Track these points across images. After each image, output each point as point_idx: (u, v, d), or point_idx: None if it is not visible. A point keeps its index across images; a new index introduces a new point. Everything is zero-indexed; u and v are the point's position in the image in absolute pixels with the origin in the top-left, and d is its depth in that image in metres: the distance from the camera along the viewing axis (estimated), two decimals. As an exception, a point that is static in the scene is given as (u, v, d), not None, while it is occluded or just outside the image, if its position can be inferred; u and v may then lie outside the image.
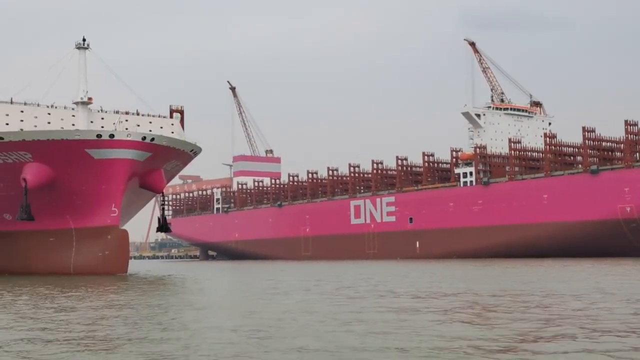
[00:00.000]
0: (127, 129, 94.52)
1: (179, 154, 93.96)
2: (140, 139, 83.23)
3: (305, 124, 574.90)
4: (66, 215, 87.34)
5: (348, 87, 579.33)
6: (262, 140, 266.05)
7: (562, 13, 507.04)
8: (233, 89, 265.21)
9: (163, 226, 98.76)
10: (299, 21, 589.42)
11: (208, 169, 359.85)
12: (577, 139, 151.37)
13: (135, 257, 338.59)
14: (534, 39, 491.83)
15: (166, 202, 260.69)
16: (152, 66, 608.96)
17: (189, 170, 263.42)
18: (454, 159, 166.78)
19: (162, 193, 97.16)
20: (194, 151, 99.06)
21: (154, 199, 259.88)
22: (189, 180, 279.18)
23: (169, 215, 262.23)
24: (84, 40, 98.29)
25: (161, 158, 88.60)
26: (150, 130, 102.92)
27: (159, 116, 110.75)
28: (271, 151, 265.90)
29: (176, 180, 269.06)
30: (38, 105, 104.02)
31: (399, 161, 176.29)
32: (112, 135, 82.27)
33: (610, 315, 28.53)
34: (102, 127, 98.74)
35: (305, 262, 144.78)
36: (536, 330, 23.81)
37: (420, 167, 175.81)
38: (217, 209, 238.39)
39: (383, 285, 52.69)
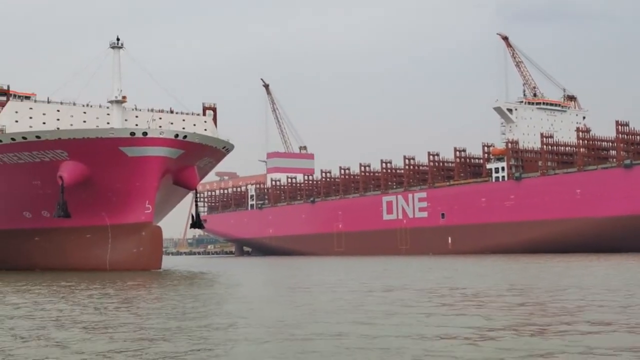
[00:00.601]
0: (160, 126, 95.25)
1: (211, 151, 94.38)
2: (173, 137, 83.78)
3: (339, 121, 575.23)
4: (102, 212, 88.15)
5: (380, 84, 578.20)
6: (296, 137, 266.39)
7: (606, 5, 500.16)
8: (267, 86, 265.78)
9: (196, 222, 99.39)
10: (335, 19, 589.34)
11: (245, 165, 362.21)
12: (613, 133, 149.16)
13: (172, 254, 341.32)
14: (577, 31, 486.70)
15: (201, 199, 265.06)
16: (186, 64, 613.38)
17: (225, 166, 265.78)
18: (486, 154, 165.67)
19: (196, 190, 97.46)
20: (227, 148, 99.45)
21: (192, 195, 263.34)
22: (226, 177, 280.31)
23: (204, 212, 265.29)
24: (118, 39, 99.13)
25: (194, 155, 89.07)
26: (184, 128, 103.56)
27: (192, 114, 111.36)
28: (305, 148, 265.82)
29: (213, 177, 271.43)
30: (74, 104, 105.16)
31: (431, 157, 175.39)
32: (145, 133, 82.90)
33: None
34: (137, 125, 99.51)
35: (341, 258, 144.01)
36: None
37: (452, 162, 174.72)
38: (252, 206, 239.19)
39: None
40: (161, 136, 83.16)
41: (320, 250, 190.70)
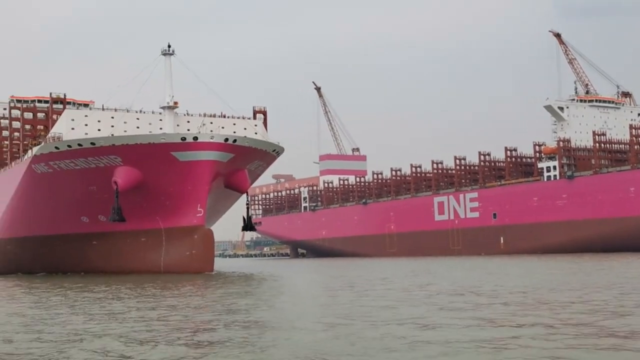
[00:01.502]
0: (211, 131, 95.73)
1: (261, 155, 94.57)
2: (222, 141, 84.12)
3: (390, 122, 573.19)
4: (155, 215, 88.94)
5: (429, 83, 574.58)
6: (349, 139, 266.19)
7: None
8: (318, 89, 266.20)
9: (248, 225, 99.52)
10: (385, 20, 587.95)
11: (301, 167, 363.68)
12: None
13: (229, 256, 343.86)
14: (635, 26, 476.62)
15: (256, 202, 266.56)
16: (236, 69, 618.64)
17: (282, 169, 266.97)
18: (537, 153, 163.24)
19: (247, 193, 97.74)
20: (277, 151, 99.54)
21: (251, 199, 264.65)
22: (282, 179, 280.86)
23: (258, 214, 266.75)
24: (169, 46, 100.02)
25: (244, 159, 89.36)
26: (234, 132, 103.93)
27: (243, 118, 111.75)
28: (357, 149, 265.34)
29: (269, 180, 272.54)
30: (127, 111, 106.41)
31: (482, 156, 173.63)
32: (196, 138, 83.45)
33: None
34: (188, 130, 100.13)
35: (397, 259, 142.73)
36: None
37: (503, 162, 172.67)
38: (305, 208, 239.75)
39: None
40: (211, 140, 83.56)
41: (372, 251, 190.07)
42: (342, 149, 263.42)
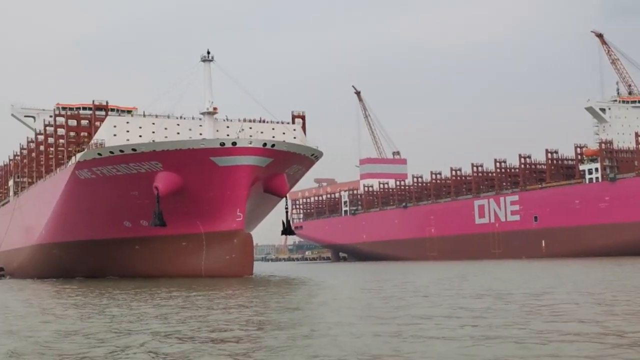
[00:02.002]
0: (251, 136, 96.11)
1: (300, 159, 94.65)
2: (261, 146, 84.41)
3: (430, 124, 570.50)
4: (196, 220, 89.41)
5: (468, 84, 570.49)
6: (389, 142, 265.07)
7: None
8: (358, 93, 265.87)
9: (287, 229, 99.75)
10: (425, 21, 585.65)
11: (343, 171, 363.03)
12: None
13: (272, 260, 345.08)
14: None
15: (297, 206, 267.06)
16: (275, 74, 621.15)
17: (324, 173, 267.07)
18: (579, 155, 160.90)
19: (286, 197, 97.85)
20: (315, 155, 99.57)
21: (293, 203, 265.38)
22: (324, 183, 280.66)
23: (300, 219, 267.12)
24: (208, 53, 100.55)
25: (283, 163, 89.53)
26: (273, 137, 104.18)
27: (281, 122, 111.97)
28: (398, 153, 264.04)
29: (312, 184, 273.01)
30: (168, 117, 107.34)
31: (522, 159, 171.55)
32: (234, 143, 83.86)
33: None
34: (227, 135, 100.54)
35: (441, 263, 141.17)
36: None
37: (543, 164, 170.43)
38: (345, 212, 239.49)
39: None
40: (250, 145, 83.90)
41: (412, 255, 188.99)
42: (382, 153, 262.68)
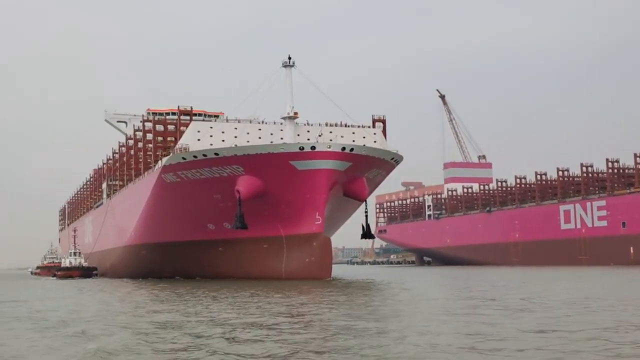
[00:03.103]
0: (331, 140, 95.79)
1: (379, 163, 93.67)
2: (340, 150, 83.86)
3: (517, 127, 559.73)
4: (277, 223, 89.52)
5: (556, 89, 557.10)
6: (474, 146, 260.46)
7: None
8: (442, 97, 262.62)
9: (366, 233, 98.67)
10: (504, 23, 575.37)
11: (431, 174, 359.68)
12: None
13: (357, 263, 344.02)
14: None
15: (381, 210, 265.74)
16: (357, 77, 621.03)
17: (411, 176, 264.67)
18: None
19: (366, 201, 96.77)
20: (395, 159, 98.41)
21: (379, 207, 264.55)
22: (412, 187, 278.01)
23: (383, 222, 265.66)
24: (289, 58, 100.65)
25: (362, 167, 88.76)
26: (353, 141, 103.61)
27: (361, 126, 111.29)
28: (484, 157, 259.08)
29: (399, 187, 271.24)
30: (250, 122, 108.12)
31: (609, 163, 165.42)
32: (313, 147, 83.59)
33: None
34: (308, 139, 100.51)
35: (527, 269, 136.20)
36: None
37: (632, 168, 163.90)
38: (429, 216, 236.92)
39: None
40: (329, 149, 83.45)
41: (496, 259, 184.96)
42: (467, 157, 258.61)
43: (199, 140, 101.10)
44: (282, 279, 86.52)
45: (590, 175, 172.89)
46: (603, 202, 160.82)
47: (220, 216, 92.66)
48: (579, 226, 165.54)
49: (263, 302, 46.32)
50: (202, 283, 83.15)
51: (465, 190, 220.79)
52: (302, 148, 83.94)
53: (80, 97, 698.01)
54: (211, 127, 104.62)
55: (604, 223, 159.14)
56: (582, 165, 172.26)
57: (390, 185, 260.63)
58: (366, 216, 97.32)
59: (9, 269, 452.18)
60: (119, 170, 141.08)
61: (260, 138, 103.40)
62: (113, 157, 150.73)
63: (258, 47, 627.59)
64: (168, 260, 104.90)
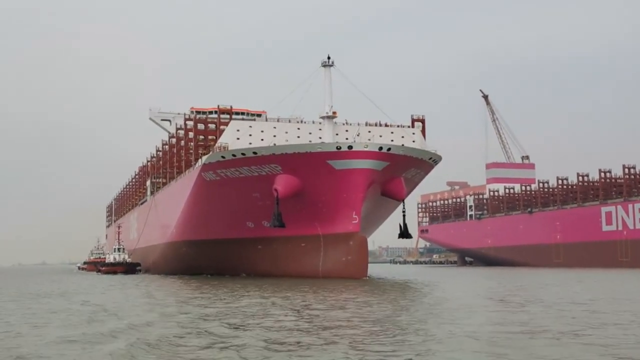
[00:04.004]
0: (369, 139, 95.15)
1: (417, 163, 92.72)
2: (377, 150, 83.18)
3: (562, 127, 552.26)
4: (314, 222, 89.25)
5: (604, 87, 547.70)
6: (518, 146, 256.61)
7: None
8: (486, 97, 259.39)
9: (404, 233, 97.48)
10: (552, 25, 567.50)
11: (477, 174, 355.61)
12: None
13: (399, 262, 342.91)
14: None
15: (423, 209, 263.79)
16: (399, 78, 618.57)
17: (457, 176, 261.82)
18: None
19: (403, 201, 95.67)
20: (433, 159, 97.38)
21: (422, 207, 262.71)
22: (457, 187, 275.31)
23: (425, 222, 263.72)
24: (328, 58, 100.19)
25: (399, 167, 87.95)
26: (392, 140, 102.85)
27: (400, 126, 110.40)
28: (527, 157, 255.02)
29: (444, 187, 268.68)
30: (289, 121, 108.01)
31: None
32: (350, 147, 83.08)
33: None
34: (347, 139, 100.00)
35: (575, 271, 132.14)
36: None
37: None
38: (470, 216, 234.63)
39: None
40: (366, 149, 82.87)
41: (538, 261, 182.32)
42: (510, 157, 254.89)
43: (238, 139, 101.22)
44: (319, 278, 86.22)
45: (632, 176, 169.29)
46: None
47: (259, 214, 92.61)
48: (620, 228, 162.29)
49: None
50: (250, 280, 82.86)
51: (507, 190, 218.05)
52: (339, 147, 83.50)
53: (126, 94, 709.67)
54: (250, 127, 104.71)
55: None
56: (624, 166, 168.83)
57: (437, 185, 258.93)
58: (404, 216, 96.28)
59: (61, 263, 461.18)
60: (162, 168, 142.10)
61: (298, 137, 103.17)
62: (157, 155, 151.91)
63: (303, 49, 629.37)
64: (208, 257, 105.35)
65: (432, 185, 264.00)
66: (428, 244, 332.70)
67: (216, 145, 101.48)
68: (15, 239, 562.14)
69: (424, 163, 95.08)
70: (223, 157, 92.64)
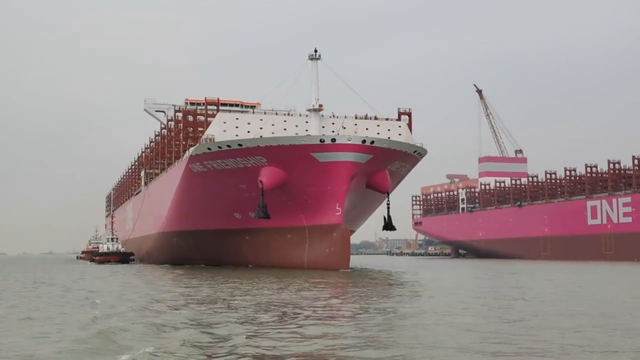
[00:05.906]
0: (355, 132, 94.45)
1: (402, 156, 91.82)
2: (360, 142, 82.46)
3: (555, 122, 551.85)
4: (300, 214, 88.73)
5: (593, 84, 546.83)
6: (511, 140, 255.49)
7: None
8: (479, 91, 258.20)
9: (388, 225, 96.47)
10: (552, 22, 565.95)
11: (469, 167, 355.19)
12: None
13: (395, 254, 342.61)
14: None
15: (417, 202, 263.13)
16: (391, 71, 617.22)
17: (457, 169, 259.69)
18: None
19: (388, 193, 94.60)
20: (418, 152, 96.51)
21: (415, 199, 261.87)
22: (456, 179, 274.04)
23: (418, 215, 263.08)
24: (315, 51, 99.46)
25: (383, 160, 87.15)
26: (378, 133, 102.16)
27: (386, 119, 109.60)
28: (520, 151, 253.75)
29: (443, 179, 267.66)
30: (276, 113, 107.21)
31: (635, 160, 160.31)
32: (334, 140, 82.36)
33: None
34: (333, 131, 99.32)
35: (564, 264, 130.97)
36: None
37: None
38: (462, 209, 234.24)
39: None
40: (349, 142, 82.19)
41: (526, 253, 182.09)
42: (503, 151, 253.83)
43: (224, 131, 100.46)
44: (304, 269, 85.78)
45: (616, 172, 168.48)
46: (628, 199, 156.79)
47: (246, 206, 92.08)
48: (604, 222, 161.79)
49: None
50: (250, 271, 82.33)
51: (497, 184, 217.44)
52: (322, 140, 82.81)
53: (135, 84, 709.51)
54: (237, 119, 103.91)
55: (629, 220, 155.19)
56: (609, 161, 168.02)
57: (435, 178, 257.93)
58: (388, 208, 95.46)
59: (66, 253, 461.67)
60: (155, 158, 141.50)
61: (285, 130, 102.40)
62: (150, 145, 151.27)
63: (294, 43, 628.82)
64: (198, 248, 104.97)
65: (433, 177, 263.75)
66: (426, 237, 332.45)
67: (203, 137, 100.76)
68: (21, 229, 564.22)
69: (408, 156, 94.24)
70: (209, 148, 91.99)
